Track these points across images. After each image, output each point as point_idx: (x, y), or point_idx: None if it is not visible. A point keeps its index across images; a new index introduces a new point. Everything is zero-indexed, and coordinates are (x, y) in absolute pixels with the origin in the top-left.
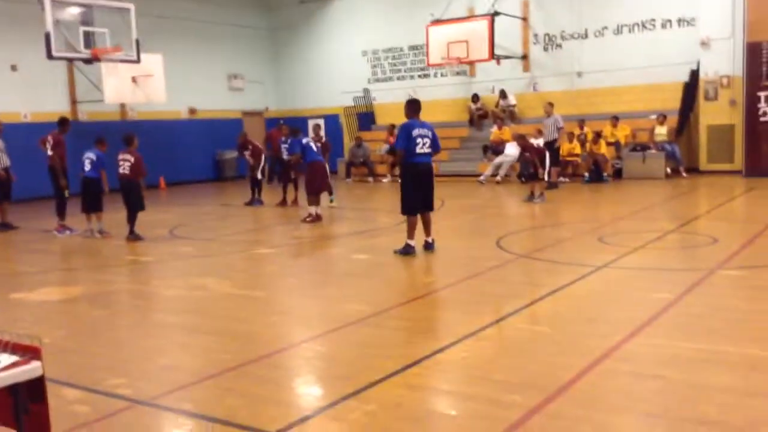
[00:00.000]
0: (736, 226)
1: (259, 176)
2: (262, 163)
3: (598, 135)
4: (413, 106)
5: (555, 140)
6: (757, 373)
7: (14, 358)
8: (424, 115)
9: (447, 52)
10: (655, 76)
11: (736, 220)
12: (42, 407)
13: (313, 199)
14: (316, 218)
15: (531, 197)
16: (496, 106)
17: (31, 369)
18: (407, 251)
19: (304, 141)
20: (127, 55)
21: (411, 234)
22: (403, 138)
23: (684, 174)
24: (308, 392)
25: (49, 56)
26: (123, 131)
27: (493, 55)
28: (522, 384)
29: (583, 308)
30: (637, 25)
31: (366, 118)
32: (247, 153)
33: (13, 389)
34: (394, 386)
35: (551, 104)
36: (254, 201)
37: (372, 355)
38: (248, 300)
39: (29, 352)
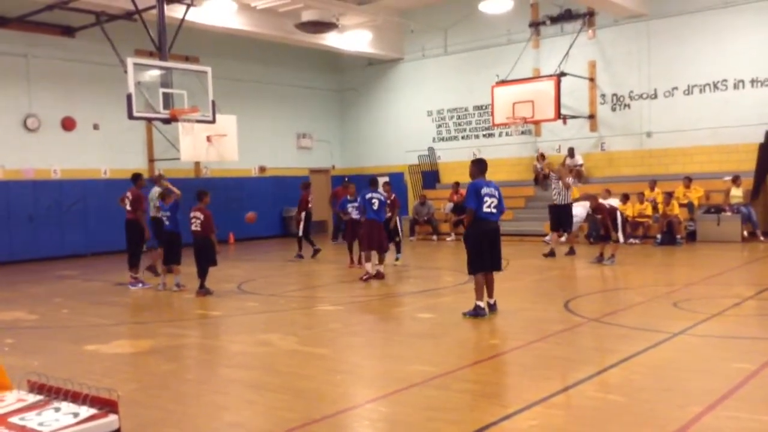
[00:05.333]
0: None
1: (300, 233)
2: (302, 218)
3: (669, 195)
4: (480, 166)
5: (569, 204)
6: None
7: (92, 411)
8: (489, 174)
9: (512, 111)
10: (728, 137)
11: None
12: None
13: (369, 256)
14: (373, 276)
15: (600, 259)
16: (563, 165)
17: (108, 422)
18: (477, 313)
19: (368, 196)
20: (204, 115)
21: (480, 295)
22: (473, 197)
23: (761, 237)
24: None
25: (130, 116)
26: (196, 188)
27: (559, 115)
28: None
29: (658, 377)
30: (709, 85)
31: (430, 177)
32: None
33: None
34: None
35: (564, 165)
36: (297, 255)
37: (437, 419)
38: (313, 357)
39: (106, 406)
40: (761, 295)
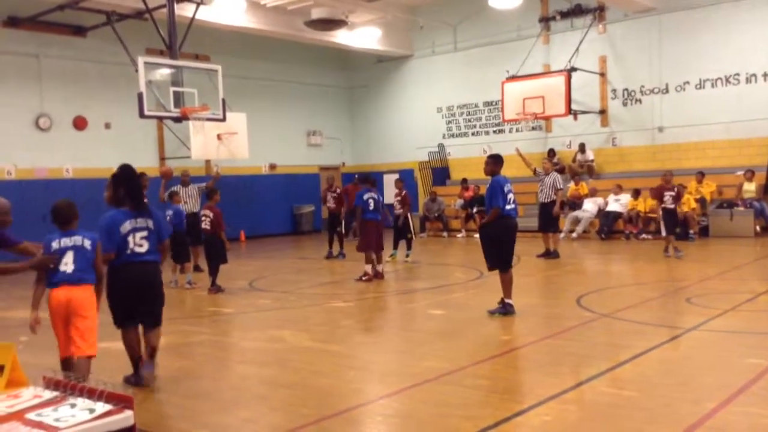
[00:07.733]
0: None
1: (340, 229)
2: (342, 214)
3: (683, 187)
4: (500, 162)
5: (553, 202)
6: None
7: (108, 407)
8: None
9: (522, 107)
10: (741, 132)
11: None
12: None
13: (368, 257)
14: (373, 277)
15: (673, 251)
16: (574, 161)
17: (124, 418)
18: (508, 311)
19: (365, 196)
20: (214, 113)
21: (509, 292)
22: (499, 194)
23: None
24: None
25: (142, 115)
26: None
27: (569, 111)
28: None
29: (672, 372)
30: (721, 79)
31: (441, 173)
32: (332, 195)
33: None
34: None
35: (550, 160)
36: (338, 254)
37: (450, 414)
38: (325, 354)
39: (122, 402)
40: None
